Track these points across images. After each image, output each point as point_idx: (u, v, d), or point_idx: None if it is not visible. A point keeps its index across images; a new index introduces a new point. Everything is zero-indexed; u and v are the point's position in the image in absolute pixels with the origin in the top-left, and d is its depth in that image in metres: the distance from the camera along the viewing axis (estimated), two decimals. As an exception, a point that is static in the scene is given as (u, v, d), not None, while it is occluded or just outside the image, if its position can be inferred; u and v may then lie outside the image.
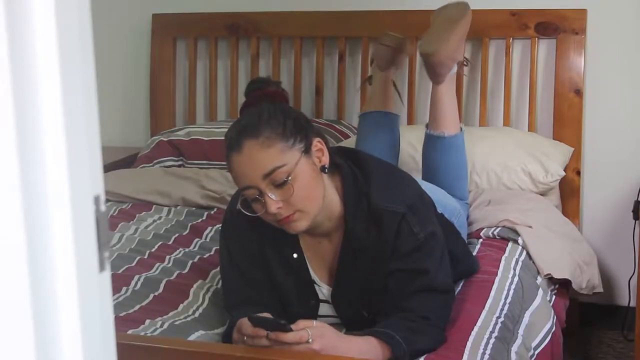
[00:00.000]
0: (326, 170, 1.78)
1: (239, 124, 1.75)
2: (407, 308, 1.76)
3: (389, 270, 1.79)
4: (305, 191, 1.71)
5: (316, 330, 1.62)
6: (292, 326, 1.61)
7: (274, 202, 1.68)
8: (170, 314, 1.97)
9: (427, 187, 2.26)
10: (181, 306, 2.02)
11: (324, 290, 1.89)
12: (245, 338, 1.65)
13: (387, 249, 1.78)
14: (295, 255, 1.85)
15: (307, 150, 1.73)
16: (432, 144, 2.52)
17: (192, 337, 1.83)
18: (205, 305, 2.04)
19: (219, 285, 2.13)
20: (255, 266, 1.86)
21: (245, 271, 1.86)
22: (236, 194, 1.92)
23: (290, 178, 1.68)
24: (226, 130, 3.02)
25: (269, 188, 1.68)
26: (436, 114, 2.50)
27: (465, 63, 2.66)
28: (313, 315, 1.88)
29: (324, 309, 1.90)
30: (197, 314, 1.99)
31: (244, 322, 1.66)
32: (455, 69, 2.51)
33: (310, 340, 1.59)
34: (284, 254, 1.85)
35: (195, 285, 2.13)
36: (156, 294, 2.09)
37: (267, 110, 1.74)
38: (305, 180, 1.70)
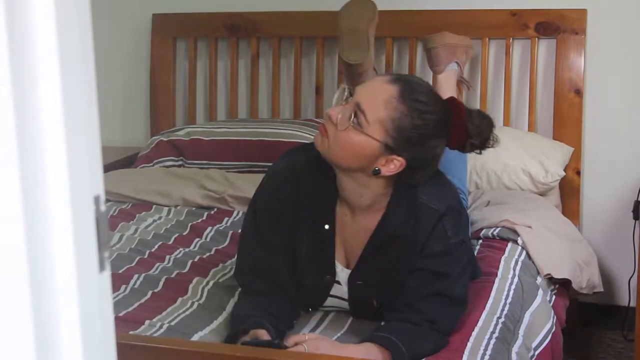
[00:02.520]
0: (375, 173, 1.74)
1: (421, 88, 1.74)
2: (418, 309, 1.76)
3: (413, 267, 1.78)
4: (339, 145, 1.72)
5: (312, 344, 1.62)
6: (286, 343, 1.61)
7: (337, 108, 1.72)
8: (169, 309, 1.97)
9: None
10: (180, 300, 2.02)
11: (339, 270, 1.89)
12: None
13: (417, 245, 1.78)
14: (326, 227, 1.85)
15: (386, 153, 1.71)
16: None
17: (192, 338, 1.83)
18: (204, 299, 2.04)
19: (220, 281, 2.14)
20: (278, 233, 1.85)
21: (266, 236, 1.86)
22: (290, 153, 1.92)
23: (351, 128, 1.69)
24: (226, 130, 3.09)
25: (349, 111, 1.70)
26: None
27: (467, 86, 2.84)
28: (325, 292, 1.88)
29: (335, 289, 1.90)
30: (195, 306, 1.99)
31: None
32: (455, 66, 2.63)
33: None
34: (316, 222, 1.85)
35: (195, 284, 2.12)
36: (155, 291, 2.08)
37: (438, 136, 1.73)
38: (349, 145, 1.71)
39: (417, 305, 1.76)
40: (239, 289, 1.96)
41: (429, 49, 2.67)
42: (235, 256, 2.01)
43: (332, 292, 1.90)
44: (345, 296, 1.90)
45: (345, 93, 1.75)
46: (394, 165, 1.74)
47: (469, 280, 1.86)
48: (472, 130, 1.78)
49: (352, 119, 1.69)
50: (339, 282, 1.89)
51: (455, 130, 1.76)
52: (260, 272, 1.85)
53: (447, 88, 2.60)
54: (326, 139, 1.73)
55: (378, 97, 1.69)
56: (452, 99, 1.83)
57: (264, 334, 1.70)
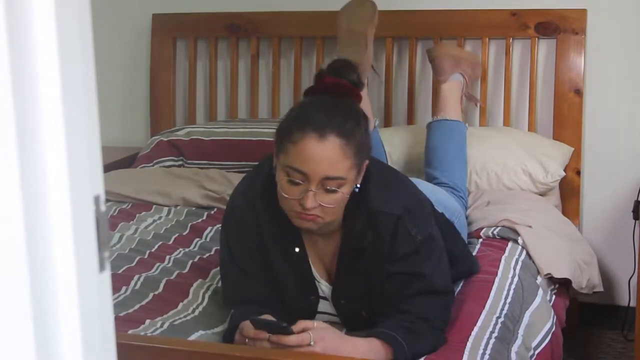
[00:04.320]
0: (357, 189, 1.77)
1: (332, 110, 1.70)
2: (406, 310, 1.76)
3: (386, 272, 1.79)
4: (340, 205, 1.73)
5: (318, 333, 1.61)
6: (293, 328, 1.61)
7: (313, 200, 1.67)
8: (170, 312, 1.97)
9: (428, 188, 2.26)
10: (181, 305, 2.02)
11: (323, 287, 1.89)
12: (247, 340, 1.65)
13: (384, 251, 1.77)
14: (297, 250, 1.84)
15: (359, 171, 1.74)
16: (435, 126, 2.58)
17: (192, 337, 1.83)
18: (205, 304, 2.04)
19: (219, 284, 2.14)
20: (255, 260, 1.85)
21: (246, 265, 1.85)
22: (237, 189, 1.91)
23: (340, 191, 1.69)
24: (226, 130, 3.09)
25: (318, 188, 1.68)
26: (439, 104, 2.65)
27: (474, 102, 2.88)
28: (312, 311, 1.88)
29: (323, 306, 1.89)
30: (196, 312, 1.99)
31: (246, 325, 1.66)
32: (459, 77, 2.66)
33: (312, 343, 1.59)
34: (286, 248, 1.85)
35: (195, 284, 2.13)
36: (156, 293, 2.09)
37: (361, 119, 1.73)
38: (346, 197, 1.72)
39: (404, 308, 1.76)
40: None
41: (432, 60, 2.69)
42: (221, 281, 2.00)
43: (321, 309, 1.90)
44: (335, 312, 1.90)
45: (289, 177, 1.70)
46: (363, 170, 1.76)
47: (447, 268, 1.85)
48: (357, 83, 1.86)
49: (331, 193, 1.68)
50: (325, 298, 1.89)
51: (355, 95, 1.81)
52: (247, 300, 1.83)
53: (450, 98, 2.61)
54: (320, 218, 1.72)
55: (332, 157, 1.66)
56: (338, 87, 1.79)
57: (270, 317, 1.71)
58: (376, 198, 1.78)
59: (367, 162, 1.76)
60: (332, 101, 1.75)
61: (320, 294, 1.89)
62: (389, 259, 1.78)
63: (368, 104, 2.60)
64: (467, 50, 2.79)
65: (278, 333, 1.60)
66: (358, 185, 1.76)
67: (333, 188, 1.68)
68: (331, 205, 1.70)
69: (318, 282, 1.88)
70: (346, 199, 1.73)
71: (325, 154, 1.65)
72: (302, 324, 1.64)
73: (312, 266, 1.87)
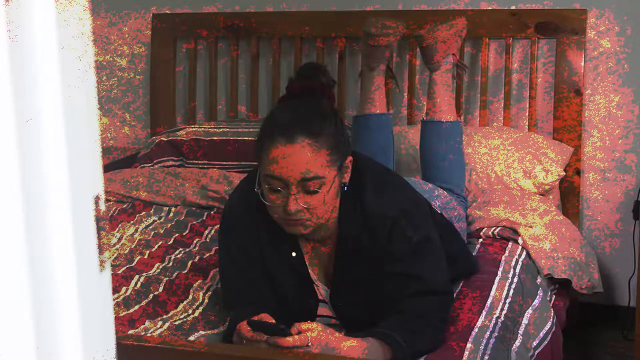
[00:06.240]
0: (346, 188, 1.77)
1: (297, 112, 1.72)
2: (404, 310, 1.75)
3: (384, 273, 1.79)
4: (327, 206, 1.72)
5: (315, 334, 1.61)
6: (291, 330, 1.61)
7: (296, 203, 1.68)
8: (170, 313, 1.97)
9: (426, 188, 2.26)
10: (181, 305, 2.02)
11: (322, 290, 1.89)
12: (244, 342, 1.65)
13: (381, 253, 1.77)
14: (294, 254, 1.85)
15: (340, 168, 1.73)
16: (428, 130, 2.55)
17: (192, 338, 1.83)
18: (205, 305, 2.04)
19: (219, 285, 2.13)
20: (254, 264, 1.86)
21: (244, 269, 1.86)
22: (235, 192, 1.92)
23: (321, 191, 1.69)
24: (226, 130, 3.09)
25: (299, 190, 1.68)
26: (431, 100, 2.58)
27: (463, 69, 2.77)
28: (312, 314, 1.88)
29: (323, 309, 1.89)
30: (196, 313, 1.99)
31: (244, 326, 1.66)
32: (450, 58, 2.59)
33: (309, 344, 1.59)
34: (283, 252, 1.85)
35: (195, 285, 2.13)
36: (156, 293, 2.09)
37: (331, 116, 1.73)
38: (331, 196, 1.72)
39: (402, 308, 1.76)
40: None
41: (422, 47, 2.63)
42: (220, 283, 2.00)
43: (321, 312, 1.89)
44: (334, 314, 1.90)
45: (269, 185, 1.71)
46: (349, 167, 1.77)
47: (445, 268, 1.85)
48: (327, 84, 1.91)
49: (313, 194, 1.69)
50: (324, 301, 1.89)
51: (327, 95, 1.85)
52: (247, 302, 1.83)
53: (443, 91, 2.57)
54: (308, 222, 1.73)
55: (304, 158, 1.67)
56: (306, 89, 1.82)
57: (270, 318, 1.71)
58: (371, 201, 1.78)
59: (349, 158, 1.76)
60: (297, 104, 1.76)
61: (319, 297, 1.89)
62: (386, 261, 1.78)
63: (383, 93, 2.64)
64: (452, 21, 2.63)
65: (275, 335, 1.60)
66: (346, 184, 1.76)
67: (316, 189, 1.68)
68: (315, 207, 1.70)
69: (316, 285, 1.88)
70: (332, 198, 1.73)
71: (297, 156, 1.66)
72: (299, 326, 1.63)
73: (309, 270, 1.87)
